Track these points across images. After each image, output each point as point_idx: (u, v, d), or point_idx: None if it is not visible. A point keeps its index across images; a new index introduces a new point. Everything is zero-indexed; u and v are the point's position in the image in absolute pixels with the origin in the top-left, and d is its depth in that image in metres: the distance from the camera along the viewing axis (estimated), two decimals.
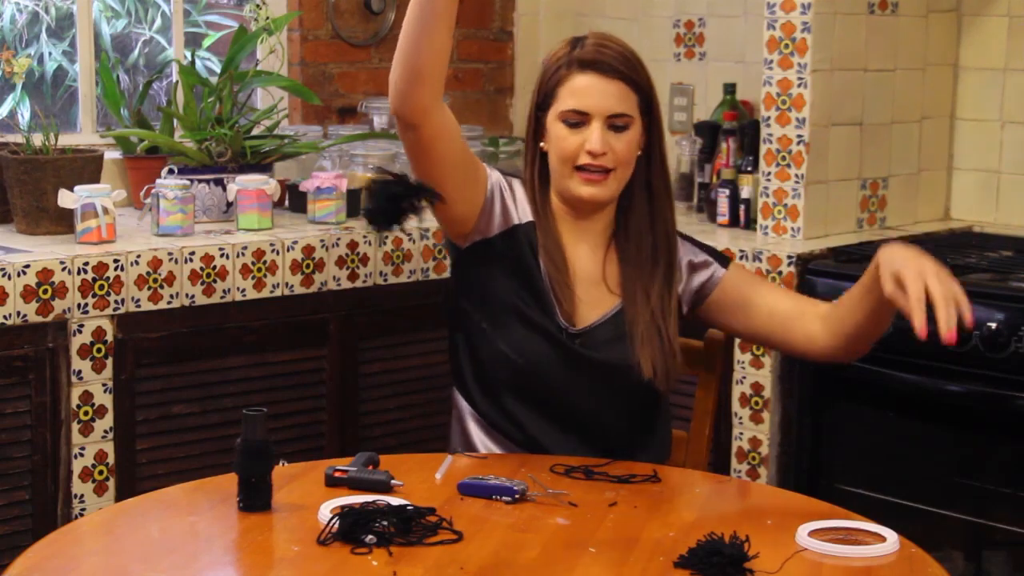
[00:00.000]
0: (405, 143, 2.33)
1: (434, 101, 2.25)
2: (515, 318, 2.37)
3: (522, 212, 2.43)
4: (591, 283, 2.41)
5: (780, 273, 3.24)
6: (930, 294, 2.09)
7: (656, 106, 2.42)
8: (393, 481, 2.08)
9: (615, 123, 2.35)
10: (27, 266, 2.81)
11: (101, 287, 2.91)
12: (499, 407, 2.38)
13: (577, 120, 2.35)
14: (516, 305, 2.37)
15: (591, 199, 2.37)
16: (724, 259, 2.48)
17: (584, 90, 2.35)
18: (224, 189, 3.33)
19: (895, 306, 2.16)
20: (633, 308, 2.38)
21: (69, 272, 2.87)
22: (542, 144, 2.41)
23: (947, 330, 2.06)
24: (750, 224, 3.54)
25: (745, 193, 3.56)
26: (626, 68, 2.36)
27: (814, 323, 2.39)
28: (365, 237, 3.30)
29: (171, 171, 3.24)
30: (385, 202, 2.27)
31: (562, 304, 2.37)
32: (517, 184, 2.46)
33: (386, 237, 2.37)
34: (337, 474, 2.10)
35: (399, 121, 2.28)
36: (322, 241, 3.23)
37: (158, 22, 5.17)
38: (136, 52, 5.25)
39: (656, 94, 2.43)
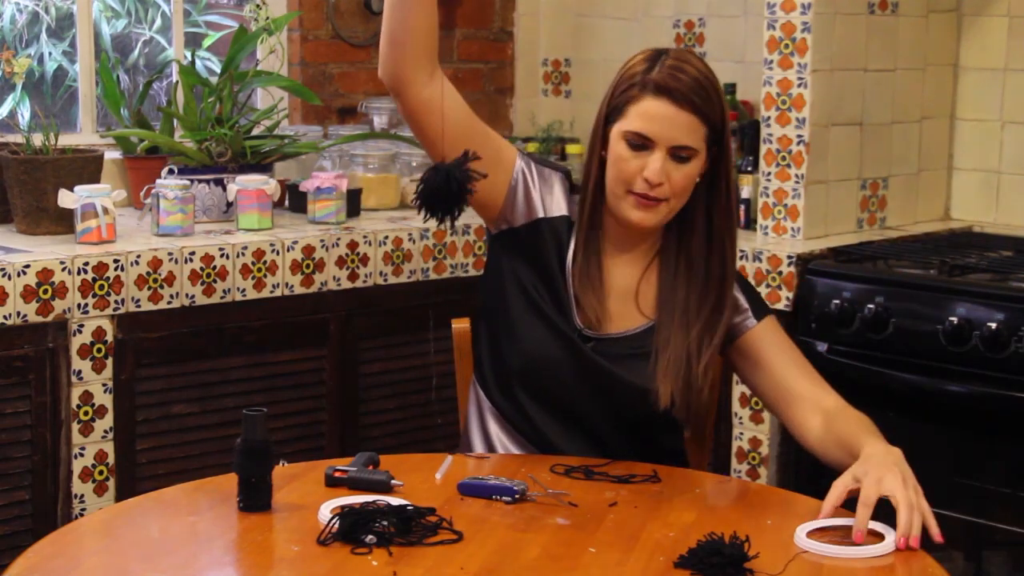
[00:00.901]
0: (400, 112, 2.37)
1: (414, 72, 2.27)
2: (531, 311, 2.36)
3: (551, 206, 2.40)
4: (622, 298, 2.38)
5: (780, 273, 3.24)
6: (893, 500, 2.03)
7: (727, 137, 2.35)
8: (393, 481, 2.08)
9: (679, 154, 2.29)
10: (27, 266, 2.82)
11: (101, 287, 2.91)
12: (511, 400, 2.37)
13: (641, 143, 2.29)
14: (533, 298, 2.36)
15: (639, 224, 2.32)
16: (761, 311, 2.41)
17: (654, 116, 2.28)
18: (224, 189, 3.33)
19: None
20: (667, 333, 2.33)
21: (69, 272, 2.87)
22: (603, 153, 2.36)
23: (902, 536, 1.97)
24: (750, 224, 3.54)
25: (745, 193, 3.56)
26: (699, 99, 2.28)
27: (814, 415, 2.32)
28: (365, 237, 3.30)
29: (171, 171, 3.24)
30: (438, 186, 2.24)
31: (584, 309, 2.35)
32: (550, 174, 2.42)
33: (448, 221, 2.28)
34: (337, 474, 2.10)
35: (386, 87, 2.32)
36: (322, 241, 3.23)
37: (158, 22, 5.17)
38: (136, 52, 5.25)
39: (727, 125, 2.35)
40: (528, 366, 2.35)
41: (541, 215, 2.39)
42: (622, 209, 2.32)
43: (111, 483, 2.96)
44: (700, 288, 2.35)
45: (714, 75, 2.33)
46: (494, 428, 2.40)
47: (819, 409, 2.32)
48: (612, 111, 2.34)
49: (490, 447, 2.40)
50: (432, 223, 2.28)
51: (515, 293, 2.37)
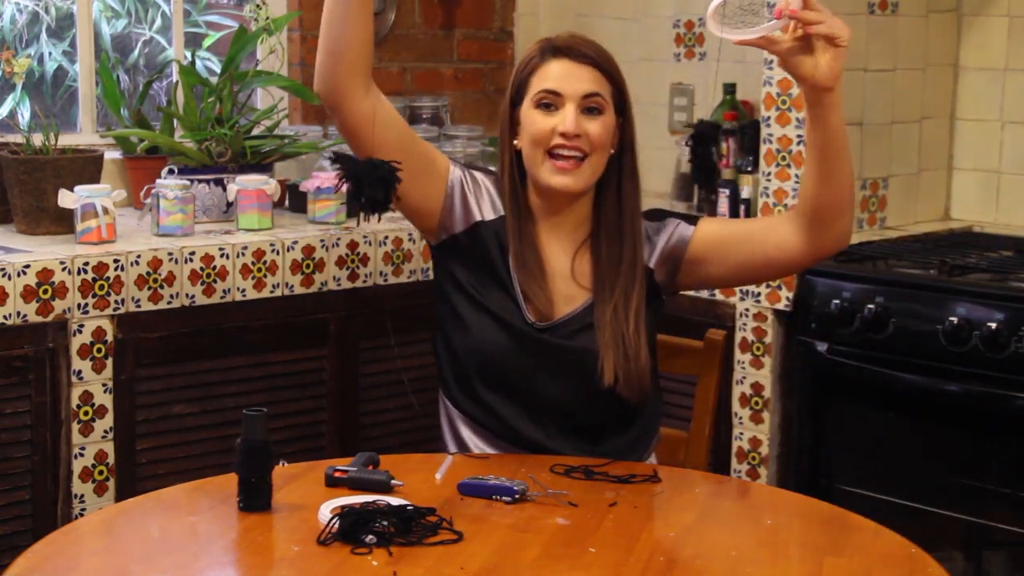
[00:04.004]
0: (337, 127, 2.41)
1: (352, 83, 2.31)
2: (480, 311, 2.39)
3: (486, 208, 2.44)
4: (563, 279, 2.42)
5: None
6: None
7: (628, 107, 2.43)
8: (393, 481, 2.08)
9: (589, 105, 2.36)
10: (27, 266, 2.82)
11: (101, 287, 2.91)
12: (476, 399, 2.39)
13: (550, 102, 2.36)
14: (482, 300, 2.39)
15: (563, 189, 2.37)
16: (692, 219, 2.48)
17: (558, 74, 2.37)
18: (224, 189, 3.33)
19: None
20: (600, 311, 2.37)
21: (69, 272, 2.87)
22: (516, 142, 2.42)
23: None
24: None
25: (745, 193, 3.56)
26: (599, 57, 2.38)
27: (783, 225, 2.40)
28: (365, 237, 3.30)
29: (171, 171, 3.24)
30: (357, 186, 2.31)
31: (532, 302, 2.38)
32: (482, 178, 2.46)
33: (377, 216, 2.35)
34: (337, 474, 2.10)
35: (324, 101, 2.36)
36: (322, 241, 3.23)
37: (158, 22, 5.17)
38: (136, 52, 5.25)
39: (628, 94, 2.43)
40: (485, 362, 2.37)
41: (479, 219, 2.43)
42: (543, 177, 2.37)
43: (111, 483, 2.96)
44: (617, 261, 2.39)
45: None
46: (467, 435, 2.41)
47: (784, 219, 2.43)
48: (516, 93, 2.41)
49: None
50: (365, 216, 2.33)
51: (461, 298, 2.41)
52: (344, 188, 2.29)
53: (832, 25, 2.18)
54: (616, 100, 2.39)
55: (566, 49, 2.37)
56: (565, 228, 2.42)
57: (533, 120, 2.37)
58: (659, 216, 2.48)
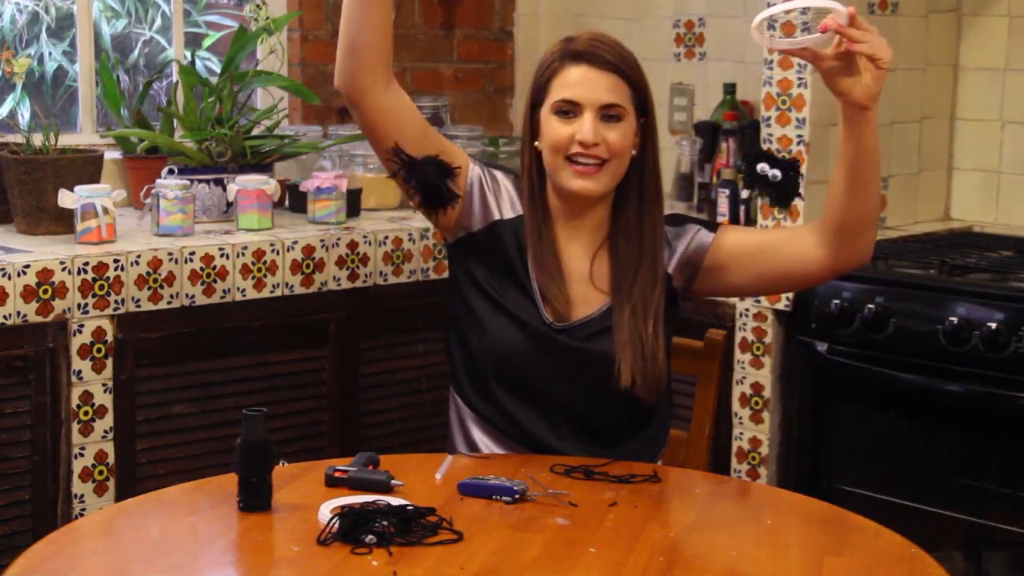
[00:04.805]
0: (357, 123, 2.43)
1: (372, 79, 2.34)
2: (497, 310, 2.39)
3: (505, 207, 2.44)
4: (581, 282, 2.41)
5: None
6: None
7: (651, 108, 2.42)
8: (393, 481, 2.08)
9: (608, 114, 2.35)
10: (27, 266, 2.82)
11: (101, 287, 2.91)
12: (490, 400, 2.39)
13: (569, 110, 2.36)
14: (500, 299, 2.39)
15: (583, 192, 2.37)
16: (711, 225, 2.47)
17: (576, 81, 2.36)
18: (224, 189, 3.33)
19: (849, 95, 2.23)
20: (619, 313, 2.37)
21: (69, 272, 2.87)
22: (537, 143, 2.42)
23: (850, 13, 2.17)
24: (750, 224, 3.54)
25: (745, 193, 3.56)
26: (619, 61, 2.36)
27: (805, 237, 2.39)
28: (365, 237, 3.30)
29: (171, 171, 3.24)
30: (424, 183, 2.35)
31: (550, 302, 2.38)
32: (501, 176, 2.47)
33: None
34: (337, 474, 2.10)
35: (344, 97, 2.38)
36: (322, 241, 3.23)
37: (158, 22, 5.17)
38: (136, 52, 5.25)
39: (651, 96, 2.42)
40: (503, 362, 2.36)
41: (497, 217, 2.43)
42: (563, 181, 2.38)
43: (111, 483, 2.96)
44: (636, 261, 2.39)
45: (630, 51, 2.42)
46: (477, 434, 2.41)
47: (807, 231, 2.40)
48: (536, 96, 2.41)
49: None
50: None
51: (478, 296, 2.41)
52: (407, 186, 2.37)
53: (875, 46, 2.17)
54: (637, 103, 2.38)
55: (586, 54, 2.35)
56: (584, 230, 2.42)
57: (552, 127, 2.37)
58: (680, 221, 2.47)
